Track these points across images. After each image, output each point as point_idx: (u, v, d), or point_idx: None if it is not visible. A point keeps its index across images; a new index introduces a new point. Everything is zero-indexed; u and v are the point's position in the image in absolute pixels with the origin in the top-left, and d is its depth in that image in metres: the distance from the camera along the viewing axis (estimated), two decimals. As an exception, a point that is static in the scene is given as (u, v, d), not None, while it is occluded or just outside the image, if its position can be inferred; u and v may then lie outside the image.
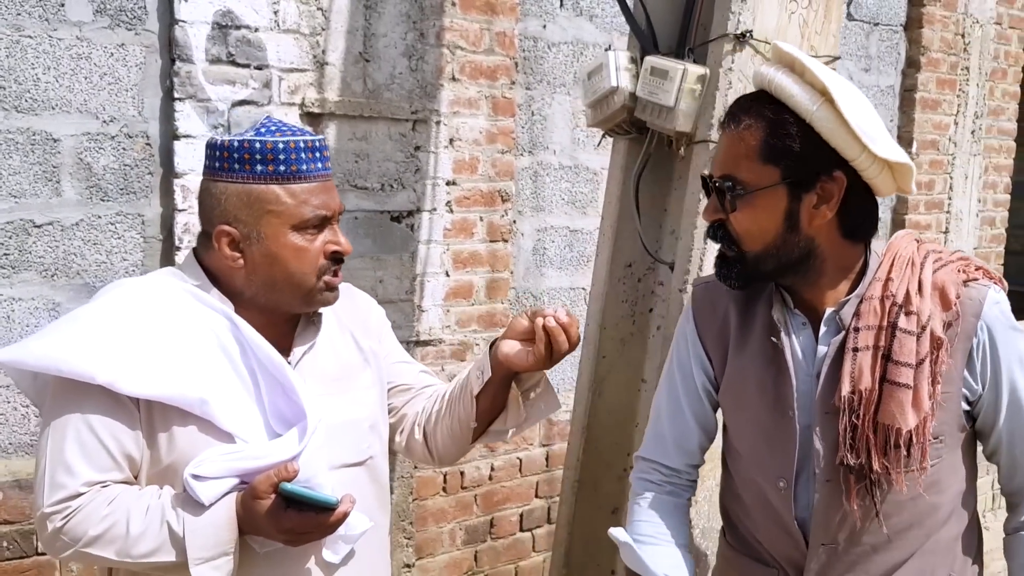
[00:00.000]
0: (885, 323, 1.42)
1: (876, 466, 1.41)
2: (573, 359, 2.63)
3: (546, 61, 3.33)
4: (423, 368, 1.77)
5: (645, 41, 1.97)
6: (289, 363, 1.50)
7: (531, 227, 3.37)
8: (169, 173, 2.60)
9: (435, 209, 3.03)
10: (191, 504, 1.37)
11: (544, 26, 3.31)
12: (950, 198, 4.71)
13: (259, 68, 2.66)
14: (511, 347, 1.52)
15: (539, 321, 1.49)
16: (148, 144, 2.59)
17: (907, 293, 1.42)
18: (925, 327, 1.40)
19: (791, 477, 1.48)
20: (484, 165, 3.12)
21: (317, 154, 1.47)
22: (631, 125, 2.00)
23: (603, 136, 2.08)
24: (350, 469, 1.53)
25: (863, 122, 1.37)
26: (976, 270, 1.47)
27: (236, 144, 1.44)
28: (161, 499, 1.39)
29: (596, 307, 2.08)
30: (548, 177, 3.40)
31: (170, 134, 2.58)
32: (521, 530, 3.46)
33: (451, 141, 3.03)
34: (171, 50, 2.55)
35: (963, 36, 4.62)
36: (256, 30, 2.64)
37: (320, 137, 1.51)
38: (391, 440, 1.69)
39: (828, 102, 1.36)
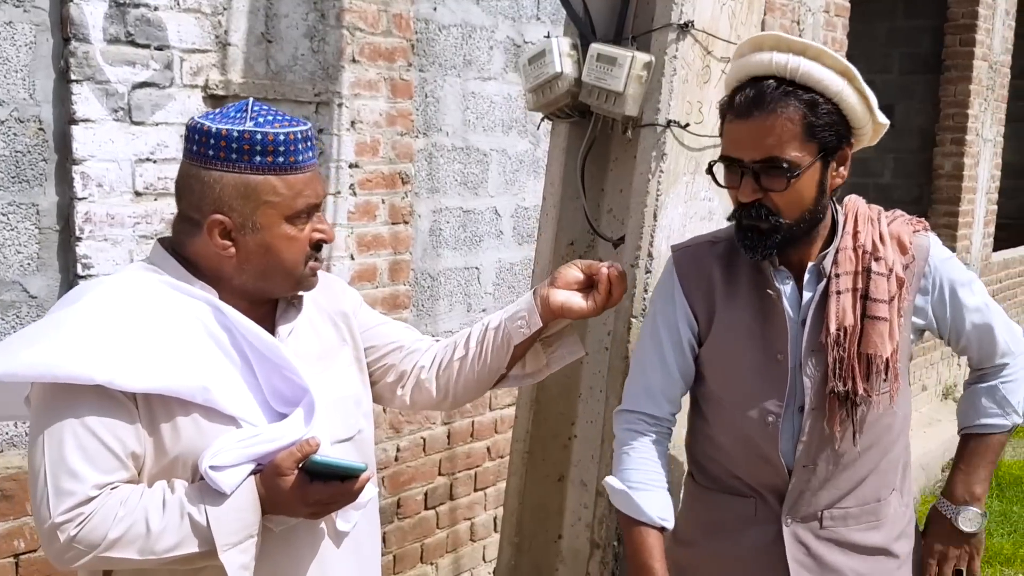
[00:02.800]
0: (860, 268, 1.66)
1: (860, 390, 1.65)
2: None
3: (437, 43, 3.35)
4: (405, 325, 1.83)
5: (584, 29, 2.06)
6: None
7: (427, 208, 3.40)
8: (65, 159, 2.44)
9: (339, 192, 3.00)
10: (209, 493, 1.38)
11: (435, 8, 3.33)
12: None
13: (160, 48, 2.54)
14: (567, 296, 1.65)
15: (603, 271, 1.66)
16: (41, 129, 2.42)
17: (873, 243, 1.67)
18: (891, 269, 1.66)
19: (780, 413, 1.68)
20: (385, 147, 3.12)
21: (310, 143, 1.49)
22: (573, 109, 2.08)
23: (543, 119, 2.15)
24: (342, 444, 1.57)
25: (871, 94, 1.60)
26: (918, 223, 1.76)
27: (236, 134, 1.43)
28: (176, 493, 1.39)
29: (541, 285, 2.16)
30: (442, 159, 3.43)
31: (66, 118, 2.43)
32: (426, 508, 3.51)
33: (352, 123, 3.01)
34: (64, 29, 2.39)
35: (798, 23, 5.01)
36: (156, 9, 2.52)
37: (310, 126, 1.51)
38: (391, 397, 1.76)
39: (850, 80, 1.57)
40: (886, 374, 1.65)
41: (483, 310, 3.67)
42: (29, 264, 2.43)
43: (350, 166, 3.02)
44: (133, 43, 2.49)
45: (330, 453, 1.46)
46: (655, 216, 1.94)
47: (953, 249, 6.80)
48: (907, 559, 1.80)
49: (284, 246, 1.48)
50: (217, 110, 1.50)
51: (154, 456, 1.40)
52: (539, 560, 2.23)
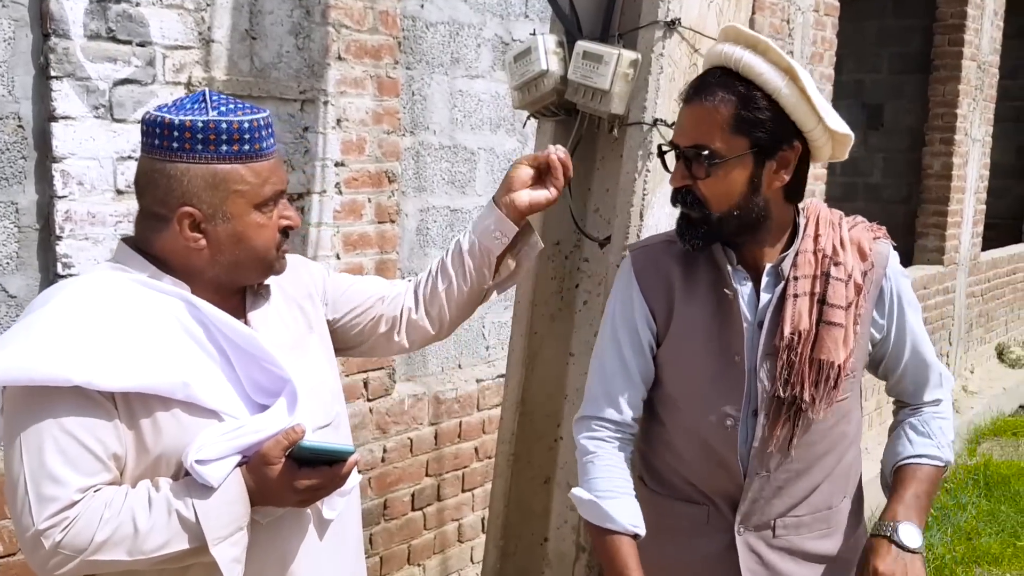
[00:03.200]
0: (819, 272, 1.63)
1: (806, 396, 1.61)
2: (504, 336, 2.61)
3: (424, 41, 3.33)
4: (375, 277, 1.88)
5: (571, 26, 2.04)
6: None
7: (414, 207, 3.37)
8: (44, 157, 2.41)
9: (324, 191, 2.97)
10: (196, 488, 1.36)
11: (422, 5, 3.30)
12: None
13: (141, 45, 2.51)
14: (530, 194, 1.72)
15: (553, 157, 1.72)
16: (20, 126, 2.38)
17: (834, 247, 1.65)
18: (851, 276, 1.64)
19: (737, 417, 1.65)
20: (371, 146, 3.09)
21: (271, 130, 1.49)
22: (559, 107, 2.05)
23: (528, 117, 2.12)
24: (323, 430, 1.57)
25: (819, 98, 1.56)
26: (878, 229, 1.73)
27: (200, 124, 1.41)
28: (161, 491, 1.36)
29: (527, 285, 2.14)
30: (429, 157, 3.40)
31: (45, 115, 2.39)
32: (413, 509, 3.48)
33: (338, 122, 2.98)
34: (44, 24, 2.36)
35: (788, 22, 4.99)
36: (138, 4, 2.49)
37: (268, 113, 1.51)
38: (389, 344, 1.78)
39: (793, 80, 1.53)
40: (835, 381, 1.62)
41: (471, 310, 3.64)
42: (8, 263, 2.40)
43: (336, 164, 2.99)
44: (114, 39, 2.46)
45: (315, 439, 1.46)
46: (641, 216, 1.92)
47: (943, 249, 6.82)
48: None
49: (255, 234, 1.47)
50: (171, 103, 1.48)
51: (136, 456, 1.38)
52: (525, 563, 2.20)
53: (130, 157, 2.51)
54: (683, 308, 1.69)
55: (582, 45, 1.95)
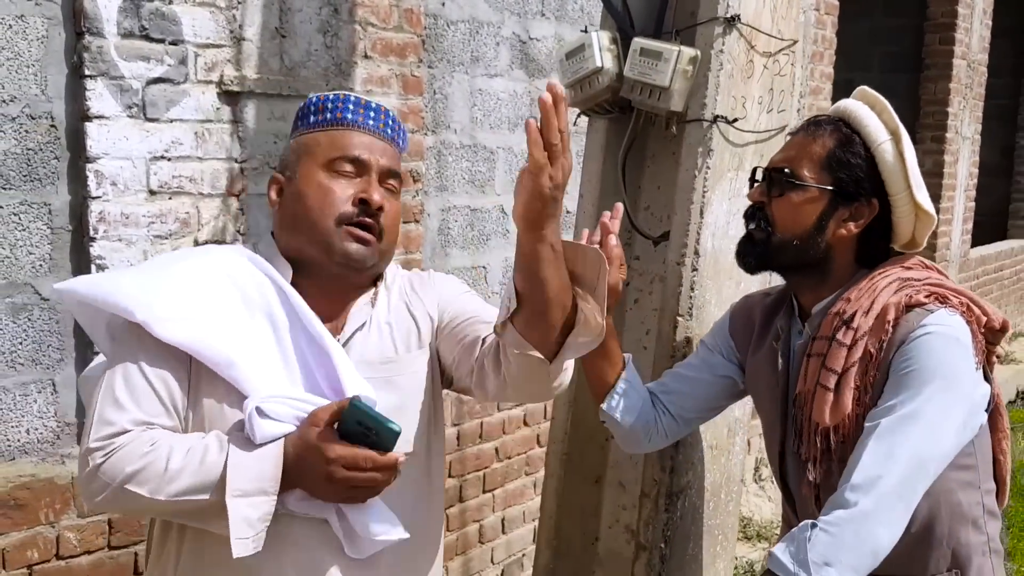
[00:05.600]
0: (829, 334, 1.58)
1: (805, 455, 1.60)
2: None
3: (445, 39, 3.30)
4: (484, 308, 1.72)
5: (624, 23, 2.03)
6: (338, 340, 1.45)
7: (436, 207, 3.35)
8: (77, 157, 2.36)
9: (352, 191, 2.94)
10: (240, 441, 1.34)
11: (443, 4, 3.28)
12: (782, 171, 5.13)
13: (174, 43, 2.47)
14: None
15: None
16: (53, 126, 2.33)
17: (855, 312, 1.55)
18: (857, 341, 1.53)
19: (780, 457, 1.72)
20: (397, 145, 3.06)
21: (370, 111, 1.48)
22: (612, 105, 2.05)
23: (578, 115, 2.11)
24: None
25: (915, 168, 1.58)
26: (928, 296, 1.52)
27: (303, 104, 1.52)
28: (206, 439, 1.35)
29: (579, 283, 2.13)
30: (450, 156, 3.38)
31: (78, 115, 2.34)
32: (436, 511, 3.45)
33: (365, 121, 2.95)
34: (78, 23, 2.31)
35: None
36: (170, 2, 2.45)
37: (389, 110, 1.51)
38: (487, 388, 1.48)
39: (896, 140, 1.59)
40: (827, 445, 1.55)
41: (490, 310, 3.63)
42: (41, 265, 2.35)
43: (362, 164, 2.96)
44: (147, 37, 2.41)
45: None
46: (701, 213, 1.92)
47: (935, 246, 6.89)
48: None
49: (312, 193, 1.43)
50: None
51: (193, 419, 1.40)
52: (577, 564, 2.19)
53: (163, 157, 2.47)
54: (753, 353, 1.77)
55: (640, 42, 1.94)
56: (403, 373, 1.49)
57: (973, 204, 7.62)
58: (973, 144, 7.47)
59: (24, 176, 2.29)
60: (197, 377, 1.38)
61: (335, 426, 1.33)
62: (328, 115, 1.47)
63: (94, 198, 2.36)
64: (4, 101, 2.24)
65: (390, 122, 1.50)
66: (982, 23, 7.22)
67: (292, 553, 1.37)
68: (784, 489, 1.74)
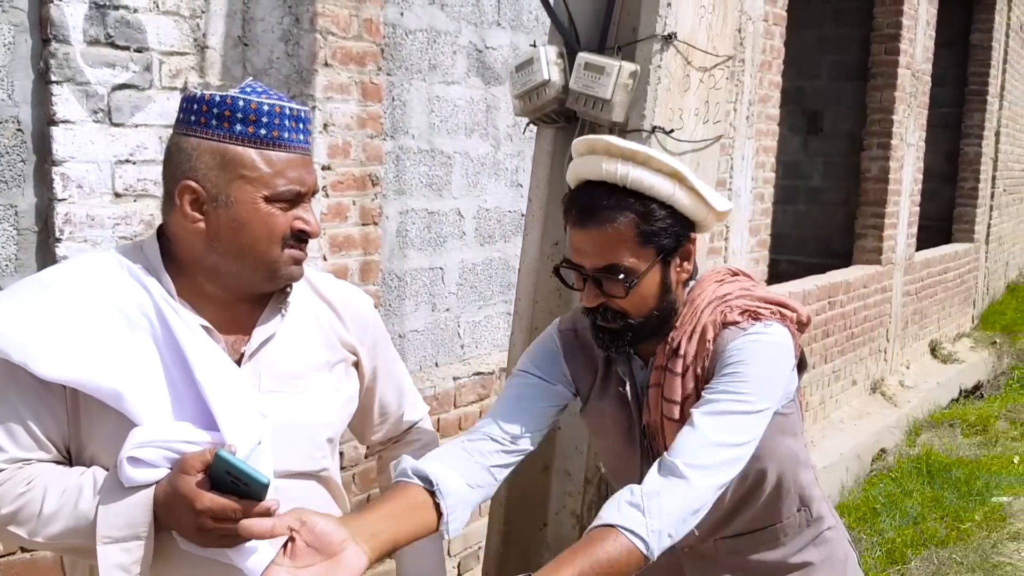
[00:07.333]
0: (663, 364, 1.63)
1: None
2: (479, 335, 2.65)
3: (404, 48, 3.41)
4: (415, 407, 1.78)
5: (570, 38, 2.16)
6: (244, 352, 1.44)
7: (394, 210, 3.46)
8: (44, 160, 2.44)
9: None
10: (113, 485, 1.32)
11: (401, 13, 3.39)
12: (731, 177, 5.30)
13: (139, 51, 2.56)
14: None
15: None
16: (20, 130, 2.41)
17: (681, 339, 1.62)
18: (688, 368, 1.60)
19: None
20: (356, 150, 3.16)
21: (301, 125, 1.40)
22: (559, 115, 2.17)
23: (528, 124, 2.23)
24: (298, 480, 1.48)
25: (706, 189, 1.58)
26: (742, 314, 1.60)
27: (217, 99, 1.36)
28: (82, 478, 1.34)
29: (528, 283, 2.25)
30: (408, 161, 3.49)
31: (44, 119, 2.42)
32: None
33: (325, 126, 3.05)
34: (44, 30, 2.39)
35: (740, 31, 5.20)
36: (135, 11, 2.53)
37: (307, 108, 1.47)
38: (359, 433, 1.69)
39: (680, 182, 1.55)
40: None
41: (447, 309, 3.74)
42: (7, 266, 2.42)
43: (323, 168, 3.06)
44: (113, 45, 2.50)
45: (239, 459, 1.30)
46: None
47: (880, 250, 7.12)
48: (822, 563, 1.77)
49: (258, 225, 1.37)
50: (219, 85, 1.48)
51: (77, 450, 1.38)
52: (526, 548, 2.31)
53: (128, 161, 2.55)
54: (598, 396, 1.73)
55: (584, 57, 2.07)
56: (312, 388, 1.50)
57: (918, 209, 7.88)
58: (918, 151, 7.73)
59: (-9, 178, 2.36)
60: (83, 407, 1.35)
61: (207, 472, 1.30)
62: (263, 131, 1.35)
63: (60, 200, 2.44)
64: (-29, 106, 2.31)
65: (310, 127, 1.45)
66: (926, 34, 7.48)
67: None
68: None
